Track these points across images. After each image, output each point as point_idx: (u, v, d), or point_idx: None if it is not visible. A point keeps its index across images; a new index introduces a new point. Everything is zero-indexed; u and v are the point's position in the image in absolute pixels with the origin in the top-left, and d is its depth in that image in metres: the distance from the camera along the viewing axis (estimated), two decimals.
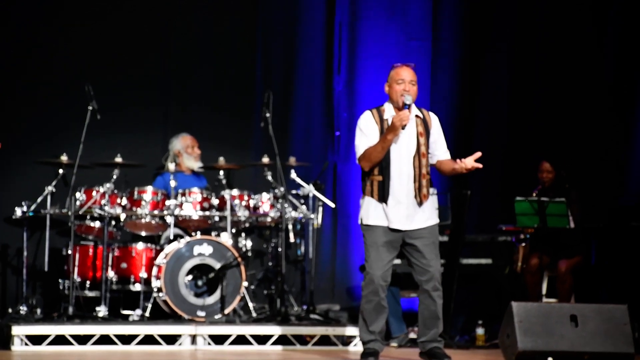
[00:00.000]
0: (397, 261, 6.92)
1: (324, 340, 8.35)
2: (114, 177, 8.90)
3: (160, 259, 8.81)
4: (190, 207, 9.03)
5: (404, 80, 6.65)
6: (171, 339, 8.22)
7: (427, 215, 6.71)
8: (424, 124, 6.71)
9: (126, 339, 8.14)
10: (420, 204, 6.65)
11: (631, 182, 9.77)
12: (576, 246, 8.84)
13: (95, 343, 8.06)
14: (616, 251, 8.77)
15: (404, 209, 6.62)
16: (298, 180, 9.50)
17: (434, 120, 6.77)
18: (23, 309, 8.71)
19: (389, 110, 6.70)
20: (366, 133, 6.68)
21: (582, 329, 6.83)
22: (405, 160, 6.63)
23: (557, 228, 8.72)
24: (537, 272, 8.86)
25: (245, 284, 8.79)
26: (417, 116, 6.71)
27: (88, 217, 8.96)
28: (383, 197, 6.64)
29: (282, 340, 8.28)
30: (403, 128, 6.52)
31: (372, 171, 6.68)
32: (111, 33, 9.97)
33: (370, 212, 6.70)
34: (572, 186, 8.96)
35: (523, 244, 9.05)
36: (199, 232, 9.14)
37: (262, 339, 8.28)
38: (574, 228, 8.76)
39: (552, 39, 10.36)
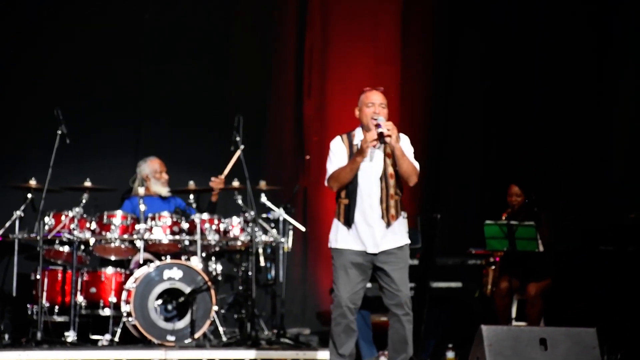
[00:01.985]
0: (368, 285, 6.89)
1: None
2: (83, 201, 8.87)
3: (130, 284, 8.76)
4: (160, 231, 9.00)
5: (374, 103, 6.69)
6: None
7: (396, 237, 6.70)
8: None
9: None
10: (388, 224, 6.66)
11: (601, 205, 9.83)
12: (545, 269, 8.87)
13: None
14: (585, 274, 8.81)
15: (374, 232, 6.63)
16: (268, 204, 9.50)
17: (402, 139, 6.78)
18: None
19: (359, 135, 6.72)
20: (336, 156, 6.71)
21: (552, 352, 6.86)
22: (373, 182, 6.63)
23: (526, 251, 8.75)
24: (506, 296, 8.89)
25: (215, 308, 8.75)
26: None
27: (57, 241, 8.90)
28: (348, 220, 6.66)
29: None
30: (381, 143, 6.52)
31: (340, 194, 6.70)
32: (81, 56, 9.98)
33: (339, 235, 6.70)
34: (541, 209, 9.01)
35: (493, 267, 9.08)
36: (168, 257, 9.10)
37: None
38: (543, 251, 8.79)
39: (526, 60, 10.43)
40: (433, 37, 10.75)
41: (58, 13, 10.03)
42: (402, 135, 6.81)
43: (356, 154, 6.58)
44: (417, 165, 6.68)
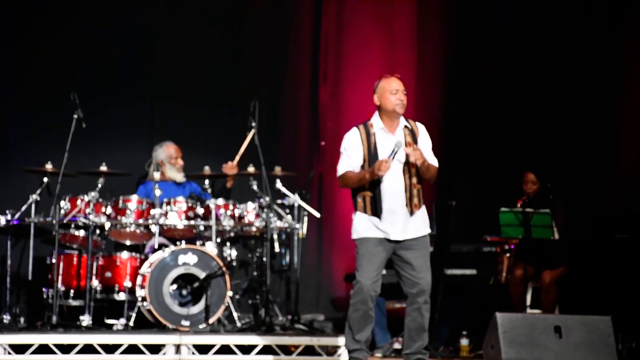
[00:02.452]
0: (383, 271, 6.89)
1: (309, 350, 8.34)
2: (99, 185, 8.88)
3: (145, 268, 8.78)
4: (175, 216, 9.01)
5: (398, 90, 6.65)
6: (155, 349, 8.19)
7: (419, 225, 6.69)
8: (412, 135, 6.70)
9: (110, 349, 8.12)
10: (411, 213, 6.65)
11: (616, 194, 9.81)
12: (560, 257, 8.86)
13: (79, 352, 8.03)
14: (600, 262, 8.79)
15: (399, 220, 6.61)
16: (283, 189, 9.50)
17: (421, 130, 6.77)
18: (6, 318, 8.69)
19: (377, 124, 6.68)
20: (349, 154, 6.66)
21: (566, 340, 6.86)
22: (395, 171, 6.61)
23: (541, 239, 8.74)
24: (521, 283, 8.88)
25: (229, 293, 8.77)
26: (405, 127, 6.71)
27: (73, 225, 8.93)
28: (376, 211, 6.62)
29: (267, 350, 8.27)
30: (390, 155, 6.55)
31: (362, 187, 6.67)
32: (96, 42, 10.00)
33: (363, 226, 6.65)
34: (557, 197, 8.99)
35: (507, 255, 9.07)
36: (183, 242, 9.12)
37: (246, 349, 8.27)
38: (558, 239, 8.78)
39: (542, 48, 10.39)
40: (450, 23, 10.71)
41: None
42: (419, 125, 6.79)
43: (368, 174, 6.54)
44: (435, 162, 6.71)
